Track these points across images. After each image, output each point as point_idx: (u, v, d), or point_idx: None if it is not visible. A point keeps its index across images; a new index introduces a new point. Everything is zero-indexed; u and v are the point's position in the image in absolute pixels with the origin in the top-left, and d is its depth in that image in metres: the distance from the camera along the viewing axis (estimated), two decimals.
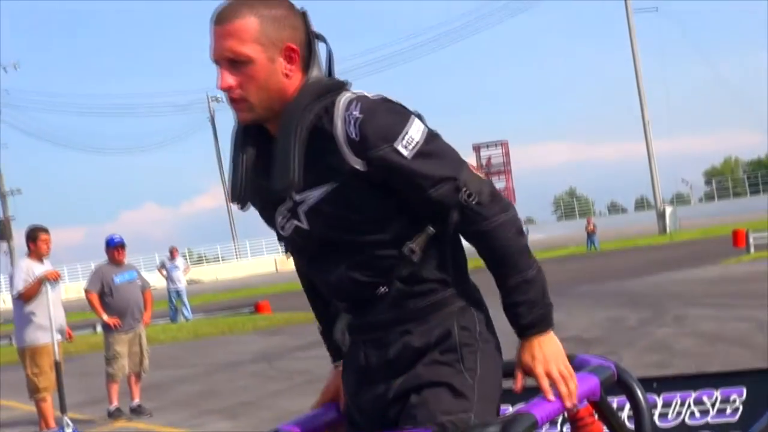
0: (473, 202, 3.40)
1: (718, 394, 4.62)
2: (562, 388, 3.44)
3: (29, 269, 13.61)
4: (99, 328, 19.36)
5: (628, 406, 3.91)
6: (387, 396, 3.55)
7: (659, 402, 4.65)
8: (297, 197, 3.46)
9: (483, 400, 3.45)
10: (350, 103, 3.36)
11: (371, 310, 3.56)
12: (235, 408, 14.66)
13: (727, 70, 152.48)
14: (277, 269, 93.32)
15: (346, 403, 3.75)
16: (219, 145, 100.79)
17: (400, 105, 3.45)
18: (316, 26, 3.49)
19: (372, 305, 3.55)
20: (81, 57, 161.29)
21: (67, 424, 13.32)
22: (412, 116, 3.40)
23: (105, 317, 15.01)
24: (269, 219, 3.64)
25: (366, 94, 3.42)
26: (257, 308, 36.07)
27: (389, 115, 3.37)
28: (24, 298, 13.56)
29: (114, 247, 15.33)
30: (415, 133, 3.36)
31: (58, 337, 13.64)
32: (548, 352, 3.47)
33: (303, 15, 3.47)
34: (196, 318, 36.46)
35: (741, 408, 4.55)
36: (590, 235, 58.90)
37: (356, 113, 3.33)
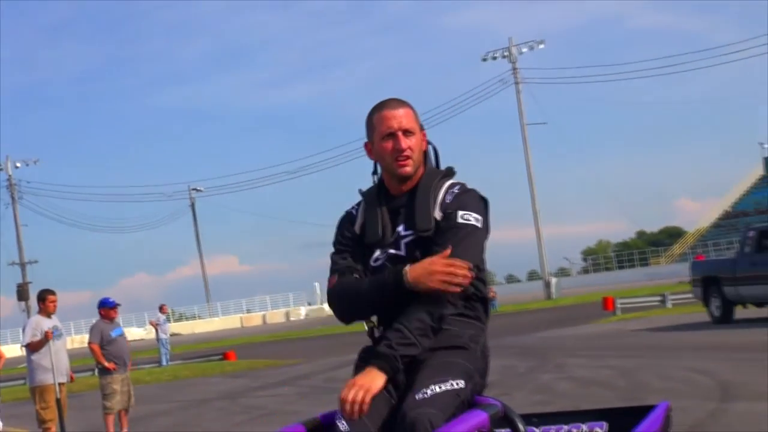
0: None
1: (585, 427, 4.59)
2: (346, 407, 3.64)
3: (38, 324, 13.76)
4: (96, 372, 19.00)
5: None
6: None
7: None
8: (403, 233, 4.02)
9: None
10: (454, 186, 4.06)
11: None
12: None
13: (599, 171, 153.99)
14: (242, 325, 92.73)
15: None
16: (197, 227, 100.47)
17: (482, 199, 4.08)
18: None
19: None
20: (87, 153, 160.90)
21: None
22: (481, 211, 4.01)
23: (106, 363, 14.96)
24: (370, 251, 4.08)
25: (464, 183, 4.10)
26: (225, 356, 35.80)
27: (471, 199, 4.02)
28: (30, 348, 13.71)
29: (111, 307, 15.42)
30: (474, 218, 3.95)
31: (62, 379, 13.60)
32: (365, 379, 3.69)
33: None
34: (175, 363, 36.11)
35: None
36: (491, 300, 58.78)
37: (456, 191, 4.03)
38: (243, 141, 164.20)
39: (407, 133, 4.03)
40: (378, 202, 4.12)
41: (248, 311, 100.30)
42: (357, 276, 4.02)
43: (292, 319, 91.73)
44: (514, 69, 71.21)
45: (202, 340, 66.49)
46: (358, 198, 4.26)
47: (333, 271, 4.11)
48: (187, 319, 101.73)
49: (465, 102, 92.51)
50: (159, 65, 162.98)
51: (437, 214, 3.97)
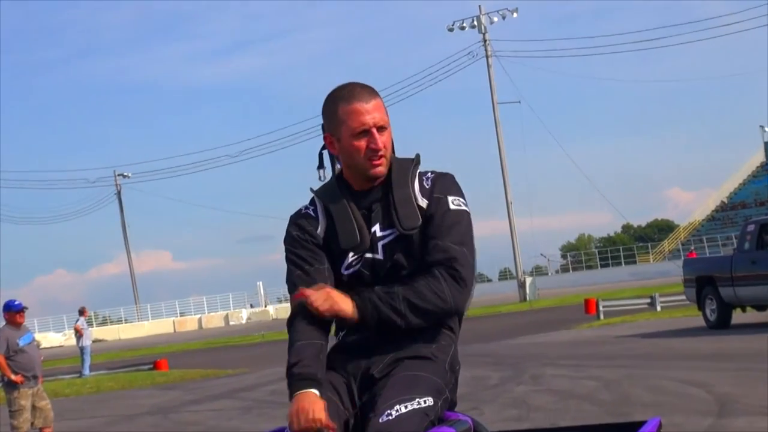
0: (448, 266, 3.92)
1: None
2: (311, 299, 3.85)
3: None
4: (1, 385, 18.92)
5: None
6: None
7: None
8: (380, 234, 4.03)
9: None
10: (425, 173, 4.12)
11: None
12: None
13: (580, 157, 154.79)
14: (175, 330, 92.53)
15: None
16: (124, 218, 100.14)
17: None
18: None
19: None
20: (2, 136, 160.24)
21: None
22: (462, 193, 4.11)
23: (12, 377, 14.81)
24: (339, 258, 4.07)
25: (432, 170, 4.16)
26: (155, 365, 35.74)
27: (451, 183, 4.11)
28: None
29: (18, 312, 15.21)
30: (463, 203, 4.07)
31: None
32: (337, 295, 3.87)
33: None
34: (98, 374, 35.93)
35: None
36: None
37: (430, 175, 4.11)
38: (176, 120, 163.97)
39: (381, 129, 4.01)
40: (345, 202, 4.07)
41: (182, 314, 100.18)
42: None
43: (231, 323, 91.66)
44: (485, 41, 71.30)
45: (129, 347, 66.39)
46: (309, 190, 4.19)
47: (295, 287, 4.02)
48: (112, 323, 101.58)
49: (427, 78, 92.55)
50: (81, 35, 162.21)
51: (422, 203, 4.01)
